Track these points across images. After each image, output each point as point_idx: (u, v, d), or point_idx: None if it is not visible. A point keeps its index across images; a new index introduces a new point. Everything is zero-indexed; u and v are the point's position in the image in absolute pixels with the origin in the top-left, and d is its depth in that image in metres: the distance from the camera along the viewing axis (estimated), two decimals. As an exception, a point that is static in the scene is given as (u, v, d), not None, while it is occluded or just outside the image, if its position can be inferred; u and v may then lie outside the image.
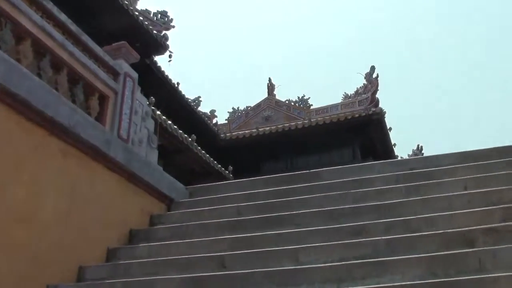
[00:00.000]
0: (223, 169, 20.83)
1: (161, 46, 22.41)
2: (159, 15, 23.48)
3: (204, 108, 31.03)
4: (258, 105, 33.98)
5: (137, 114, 8.97)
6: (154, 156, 9.32)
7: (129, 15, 20.27)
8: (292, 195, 7.89)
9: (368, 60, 78.35)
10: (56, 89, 7.34)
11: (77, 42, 7.92)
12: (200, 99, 30.43)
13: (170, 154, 18.59)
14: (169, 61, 23.01)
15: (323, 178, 8.53)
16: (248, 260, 6.26)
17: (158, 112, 16.88)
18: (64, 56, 7.51)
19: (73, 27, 7.88)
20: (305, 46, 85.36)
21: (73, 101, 7.69)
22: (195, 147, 18.72)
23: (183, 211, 8.47)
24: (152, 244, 7.36)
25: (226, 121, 34.24)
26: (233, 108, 34.80)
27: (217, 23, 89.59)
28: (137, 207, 8.13)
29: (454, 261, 5.25)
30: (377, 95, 28.92)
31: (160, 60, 23.63)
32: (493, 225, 5.73)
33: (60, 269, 6.58)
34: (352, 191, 7.43)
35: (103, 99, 8.23)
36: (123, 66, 8.79)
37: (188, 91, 44.23)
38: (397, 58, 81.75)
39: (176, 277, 6.07)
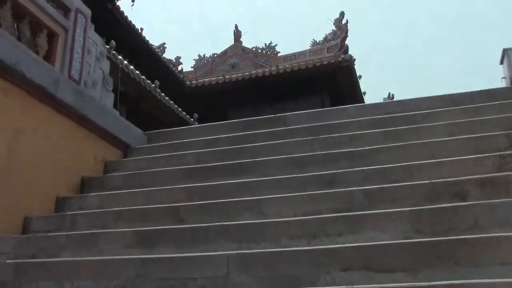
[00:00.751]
0: (188, 116, 20.19)
1: (122, -12, 21.58)
2: (121, -44, 22.53)
3: (169, 55, 30.35)
4: (225, 52, 33.30)
5: (91, 53, 8.32)
6: (109, 99, 8.69)
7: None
8: (256, 141, 7.32)
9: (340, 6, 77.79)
10: (-1, 24, 6.71)
11: (22, -27, 7.23)
12: (165, 45, 29.80)
13: (133, 101, 17.97)
14: (132, 5, 22.24)
15: (290, 123, 7.99)
16: (206, 212, 5.69)
17: (120, 57, 16.18)
18: (5, -13, 6.84)
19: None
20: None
21: (19, 39, 7.04)
22: (158, 93, 18.09)
23: (139, 157, 7.88)
24: (103, 193, 6.80)
25: (192, 69, 33.49)
26: (199, 56, 34.10)
27: None
28: (89, 153, 7.54)
29: (444, 217, 4.55)
30: (346, 42, 28.37)
31: (124, 4, 22.85)
32: (487, 175, 5.12)
33: (2, 220, 6.00)
34: (322, 136, 6.86)
35: (52, 37, 7.55)
36: (74, 2, 8.08)
37: (153, 38, 43.40)
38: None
39: (127, 231, 5.50)
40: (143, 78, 17.29)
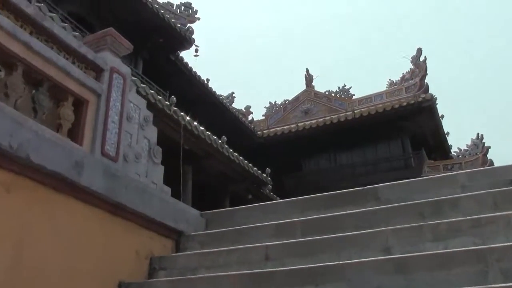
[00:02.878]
0: (260, 172, 18.63)
1: (185, 40, 20.52)
2: (183, 7, 21.62)
3: (238, 104, 29.10)
4: (296, 98, 31.96)
5: (132, 120, 6.78)
6: (157, 173, 7.12)
7: (148, 8, 18.30)
8: (339, 227, 5.57)
9: (413, 43, 75.51)
10: (6, 94, 5.22)
11: (39, 30, 5.76)
12: (233, 95, 28.71)
13: (199, 159, 16.55)
14: (196, 55, 21.07)
15: (381, 199, 6.24)
16: None
17: (182, 114, 14.77)
18: (16, 48, 5.36)
19: (30, 10, 5.70)
20: (342, 32, 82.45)
21: (35, 111, 5.56)
22: (226, 149, 16.59)
23: (193, 252, 6.18)
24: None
25: (263, 117, 32.17)
26: (270, 103, 32.82)
27: (248, 12, 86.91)
28: (129, 248, 5.92)
29: None
30: (426, 80, 26.53)
31: (187, 55, 21.63)
32: None
33: None
34: (430, 221, 5.04)
35: (80, 105, 6.04)
36: (109, 60, 6.56)
37: (220, 88, 42.32)
38: (443, 37, 78.40)
39: None
40: (208, 135, 15.84)
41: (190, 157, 16.28)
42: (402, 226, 5.12)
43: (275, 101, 32.71)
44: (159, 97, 14.08)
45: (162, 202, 6.51)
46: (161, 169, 7.26)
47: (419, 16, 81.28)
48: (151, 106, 13.66)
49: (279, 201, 7.63)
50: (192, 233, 6.70)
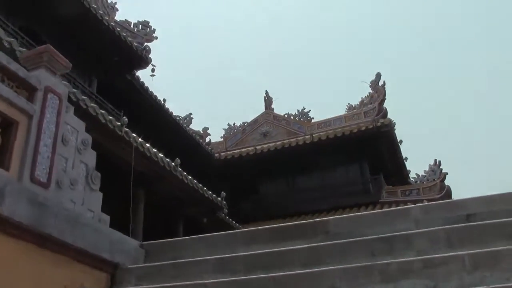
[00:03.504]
0: (215, 196, 18.19)
1: (142, 59, 19.98)
2: (140, 25, 21.07)
3: (196, 126, 28.66)
4: (256, 121, 31.63)
5: (68, 144, 6.34)
6: (95, 200, 6.68)
7: (104, 26, 17.83)
8: (286, 264, 5.17)
9: (372, 68, 75.77)
10: None
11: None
12: (191, 116, 28.30)
13: (152, 182, 16.06)
14: (152, 75, 20.61)
15: (331, 233, 5.86)
16: None
17: (134, 135, 14.30)
18: None
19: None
20: (301, 54, 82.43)
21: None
22: (179, 172, 16.13)
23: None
24: None
25: (222, 139, 31.76)
26: (228, 125, 32.49)
27: (205, 31, 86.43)
28: (59, 283, 5.45)
29: None
30: (384, 105, 26.39)
31: (144, 75, 21.16)
32: None
33: None
34: (379, 262, 4.67)
35: (8, 126, 5.59)
36: (43, 79, 6.09)
37: (178, 108, 41.78)
38: (401, 63, 78.82)
39: None
40: (161, 157, 15.39)
41: (143, 180, 15.80)
42: (351, 265, 4.75)
43: (234, 123, 32.41)
44: (110, 117, 13.59)
45: (97, 233, 6.04)
46: (99, 196, 6.83)
47: (380, 39, 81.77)
48: (101, 126, 13.28)
49: (222, 233, 7.14)
50: (129, 266, 6.24)
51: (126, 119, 14.16)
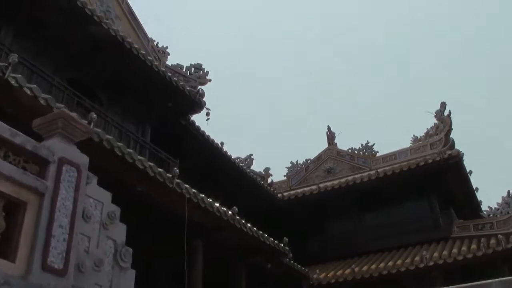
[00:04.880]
0: (276, 242, 17.42)
1: (196, 103, 19.50)
2: (193, 68, 20.59)
3: (258, 166, 28.04)
4: (319, 157, 30.85)
5: (90, 220, 5.68)
6: (126, 280, 5.97)
7: (154, 72, 17.41)
8: None
9: (437, 96, 74.02)
10: None
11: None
12: (252, 157, 27.65)
13: (209, 232, 15.46)
14: (207, 119, 20.08)
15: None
16: None
17: (187, 186, 13.71)
18: None
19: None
20: (364, 91, 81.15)
21: None
22: (237, 221, 15.46)
23: None
24: None
25: (285, 177, 31.02)
26: (291, 163, 31.76)
27: (258, 72, 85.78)
28: None
29: None
30: (451, 135, 25.31)
31: (199, 119, 20.63)
32: None
33: None
34: None
35: (15, 208, 4.94)
36: (57, 149, 5.44)
37: (237, 150, 41.18)
38: (467, 89, 76.94)
39: None
40: (217, 207, 14.74)
41: (200, 231, 15.23)
42: None
43: (297, 161, 31.64)
44: (160, 169, 13.01)
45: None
46: (131, 274, 6.12)
47: (443, 67, 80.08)
48: (150, 179, 12.72)
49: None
50: None
51: (177, 170, 13.59)
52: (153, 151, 17.75)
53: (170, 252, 15.39)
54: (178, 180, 13.45)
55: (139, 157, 12.41)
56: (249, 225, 16.14)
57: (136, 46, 16.80)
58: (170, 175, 13.30)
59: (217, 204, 14.86)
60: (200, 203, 14.09)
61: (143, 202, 13.63)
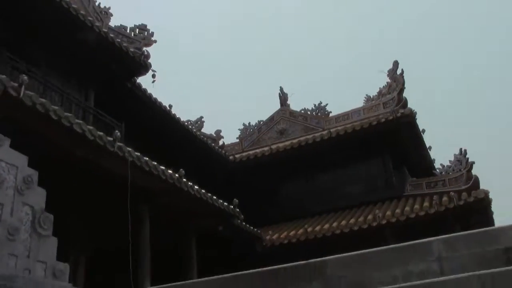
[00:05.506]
0: (226, 204, 17.03)
1: (141, 65, 18.79)
2: (137, 29, 19.79)
3: (209, 129, 27.56)
4: (271, 119, 30.43)
5: (2, 185, 5.18)
6: (47, 248, 5.52)
7: (96, 33, 16.72)
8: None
9: (390, 56, 73.88)
10: None
11: None
12: (202, 119, 27.09)
13: (155, 197, 15.02)
14: (153, 81, 19.46)
15: (330, 277, 4.66)
16: None
17: (129, 149, 13.18)
18: None
19: None
20: (313, 46, 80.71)
21: None
22: (184, 184, 15.00)
23: None
24: None
25: (238, 140, 30.57)
26: (244, 124, 31.25)
27: (206, 30, 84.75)
28: None
29: None
30: (404, 94, 25.07)
31: (146, 81, 20.00)
32: None
33: None
34: None
35: None
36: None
37: (187, 112, 40.53)
38: (419, 49, 77.08)
39: None
40: (162, 170, 14.26)
41: (145, 195, 14.81)
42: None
43: (249, 123, 31.15)
44: (99, 133, 12.45)
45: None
46: (52, 242, 5.66)
47: (394, 28, 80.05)
48: (90, 143, 12.19)
49: (205, 279, 5.94)
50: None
51: (118, 133, 13.06)
52: (97, 116, 17.16)
53: (115, 219, 14.89)
54: (120, 144, 12.93)
55: (77, 120, 11.85)
56: (197, 187, 15.71)
57: (74, 6, 16.07)
58: (112, 139, 12.76)
59: (162, 167, 14.39)
60: (144, 166, 13.60)
61: (84, 167, 13.15)
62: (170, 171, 14.66)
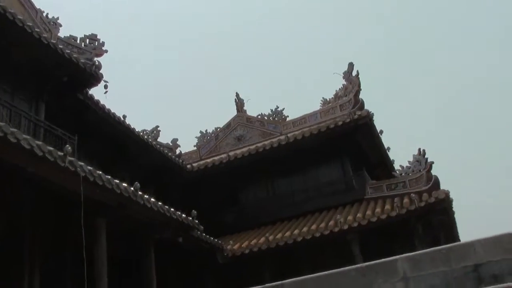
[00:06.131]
0: (184, 216, 16.69)
1: (92, 76, 18.32)
2: (87, 39, 19.33)
3: (166, 138, 27.18)
4: (228, 125, 30.21)
5: None
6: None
7: (44, 45, 16.28)
8: None
9: (345, 59, 73.92)
10: None
11: None
12: (158, 129, 26.74)
13: (111, 211, 14.61)
14: (105, 92, 18.95)
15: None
16: None
17: (81, 163, 12.77)
18: None
19: None
20: (269, 52, 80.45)
21: None
22: (140, 197, 14.61)
23: None
24: None
25: (195, 148, 30.25)
26: (201, 132, 31.02)
27: (165, 39, 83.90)
28: None
29: None
30: (360, 96, 25.00)
31: (98, 92, 19.54)
32: None
33: None
34: None
35: None
36: None
37: (143, 123, 40.03)
38: (375, 51, 77.39)
39: None
40: (116, 184, 13.84)
41: (102, 209, 14.41)
42: None
43: (206, 130, 30.85)
44: (49, 148, 12.02)
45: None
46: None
47: (347, 30, 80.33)
48: (39, 160, 11.76)
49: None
50: None
51: (69, 148, 12.58)
52: (48, 129, 16.68)
53: (73, 234, 14.46)
54: (71, 158, 12.48)
55: (24, 136, 11.40)
56: (153, 200, 15.33)
57: (20, 17, 15.60)
58: (62, 153, 12.33)
59: (116, 181, 13.97)
60: (97, 181, 13.18)
61: (37, 185, 12.78)
62: (124, 184, 14.27)
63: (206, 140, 30.26)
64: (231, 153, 25.57)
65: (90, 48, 19.06)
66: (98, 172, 13.37)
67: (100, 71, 18.52)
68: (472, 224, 36.20)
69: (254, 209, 25.17)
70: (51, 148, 12.07)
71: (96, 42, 19.30)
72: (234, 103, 31.21)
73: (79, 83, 18.50)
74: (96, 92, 19.42)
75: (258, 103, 41.52)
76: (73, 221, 13.21)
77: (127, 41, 72.51)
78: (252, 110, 31.23)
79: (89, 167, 13.11)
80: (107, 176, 13.64)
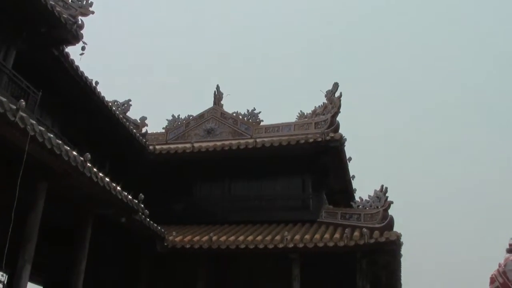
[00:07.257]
0: (130, 198, 16.11)
1: (71, 34, 17.58)
2: (76, -4, 18.56)
3: (135, 114, 26.59)
4: (202, 115, 29.60)
5: None
6: None
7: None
8: None
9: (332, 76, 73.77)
10: None
11: None
12: (130, 102, 26.06)
13: (57, 176, 13.97)
14: (81, 53, 18.16)
15: None
16: None
17: (33, 122, 12.13)
18: None
19: None
20: (260, 55, 79.92)
21: None
22: (88, 169, 14.00)
23: None
24: None
25: (164, 130, 29.65)
26: (173, 116, 30.36)
27: (159, 12, 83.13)
28: None
29: None
30: (338, 118, 24.63)
31: (76, 53, 18.80)
32: None
33: None
34: None
35: None
36: None
37: (116, 94, 39.26)
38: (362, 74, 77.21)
39: None
40: (66, 150, 13.22)
41: (46, 173, 13.79)
42: None
43: (179, 115, 30.17)
44: (2, 98, 11.39)
45: None
46: None
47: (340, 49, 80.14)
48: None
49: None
50: None
51: (23, 102, 11.90)
52: (13, 79, 16.04)
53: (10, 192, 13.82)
54: (23, 114, 11.83)
55: None
56: (101, 175, 14.72)
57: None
58: (15, 107, 11.70)
59: (67, 147, 13.32)
60: (46, 143, 12.54)
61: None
62: (75, 153, 13.64)
63: (176, 125, 29.64)
64: (197, 145, 24.92)
65: (76, 5, 18.30)
66: (49, 134, 12.71)
67: (81, 31, 17.80)
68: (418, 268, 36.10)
69: (206, 205, 24.83)
70: (4, 99, 11.45)
71: (84, 1, 18.58)
72: (213, 95, 30.67)
73: (57, 39, 17.71)
74: (72, 52, 18.78)
75: (237, 101, 41.06)
76: (13, 179, 12.62)
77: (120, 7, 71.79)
78: (229, 106, 30.67)
79: (41, 127, 12.45)
80: (58, 141, 12.98)
